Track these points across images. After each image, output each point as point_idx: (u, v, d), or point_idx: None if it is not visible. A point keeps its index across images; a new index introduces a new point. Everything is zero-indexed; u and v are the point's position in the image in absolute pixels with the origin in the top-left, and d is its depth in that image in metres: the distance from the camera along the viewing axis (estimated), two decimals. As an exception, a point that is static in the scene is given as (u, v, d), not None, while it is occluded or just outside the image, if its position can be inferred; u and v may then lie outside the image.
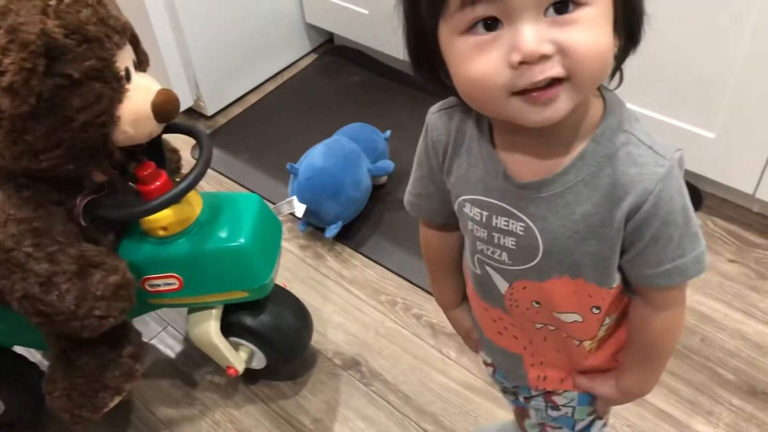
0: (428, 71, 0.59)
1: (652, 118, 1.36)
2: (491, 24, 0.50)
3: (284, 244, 1.50)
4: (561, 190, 0.58)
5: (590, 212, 0.58)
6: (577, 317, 0.67)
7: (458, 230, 0.72)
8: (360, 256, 1.47)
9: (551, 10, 0.49)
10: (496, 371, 0.84)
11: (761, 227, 1.42)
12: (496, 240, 0.64)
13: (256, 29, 1.84)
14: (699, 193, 1.49)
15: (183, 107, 1.78)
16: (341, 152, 1.46)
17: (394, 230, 1.51)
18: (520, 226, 0.61)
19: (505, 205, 0.62)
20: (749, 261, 1.37)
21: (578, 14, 0.49)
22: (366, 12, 1.77)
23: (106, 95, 0.87)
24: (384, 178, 1.59)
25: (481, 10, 0.49)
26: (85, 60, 0.84)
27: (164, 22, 1.63)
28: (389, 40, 1.78)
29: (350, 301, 1.40)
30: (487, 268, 0.68)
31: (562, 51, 0.49)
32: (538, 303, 0.68)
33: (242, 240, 1.02)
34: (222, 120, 1.86)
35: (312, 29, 2.00)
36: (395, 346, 1.31)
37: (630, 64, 0.59)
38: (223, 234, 1.03)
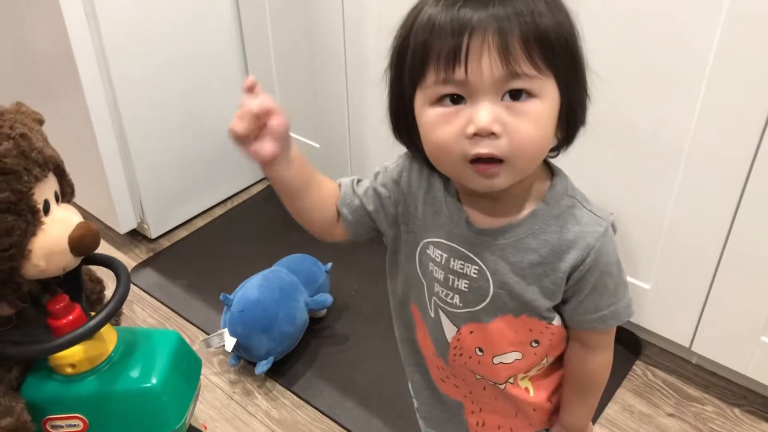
0: (405, 136, 0.70)
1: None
2: (456, 99, 0.60)
3: (213, 378, 1.44)
4: (513, 240, 0.69)
5: (537, 262, 0.68)
6: (518, 355, 0.75)
7: (336, 228, 0.78)
8: (291, 394, 1.41)
9: (507, 96, 0.59)
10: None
11: (700, 380, 1.40)
12: (450, 282, 0.72)
13: (206, 154, 1.84)
14: (638, 342, 1.48)
15: (126, 229, 1.77)
16: (278, 284, 1.43)
17: (329, 367, 1.46)
18: (474, 269, 0.70)
19: (463, 250, 0.70)
20: (688, 416, 1.34)
21: (528, 105, 0.60)
22: (317, 145, 1.81)
23: (18, 228, 0.84)
24: (323, 312, 1.56)
25: (449, 88, 0.60)
26: (-1, 192, 0.82)
27: (111, 143, 1.60)
28: (339, 174, 1.80)
29: (276, 444, 1.32)
30: (440, 312, 0.75)
31: (507, 133, 0.59)
32: (481, 350, 0.75)
33: (154, 381, 0.97)
34: (165, 243, 1.83)
35: (265, 157, 2.02)
36: (319, 497, 1.23)
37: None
38: (134, 374, 0.97)
